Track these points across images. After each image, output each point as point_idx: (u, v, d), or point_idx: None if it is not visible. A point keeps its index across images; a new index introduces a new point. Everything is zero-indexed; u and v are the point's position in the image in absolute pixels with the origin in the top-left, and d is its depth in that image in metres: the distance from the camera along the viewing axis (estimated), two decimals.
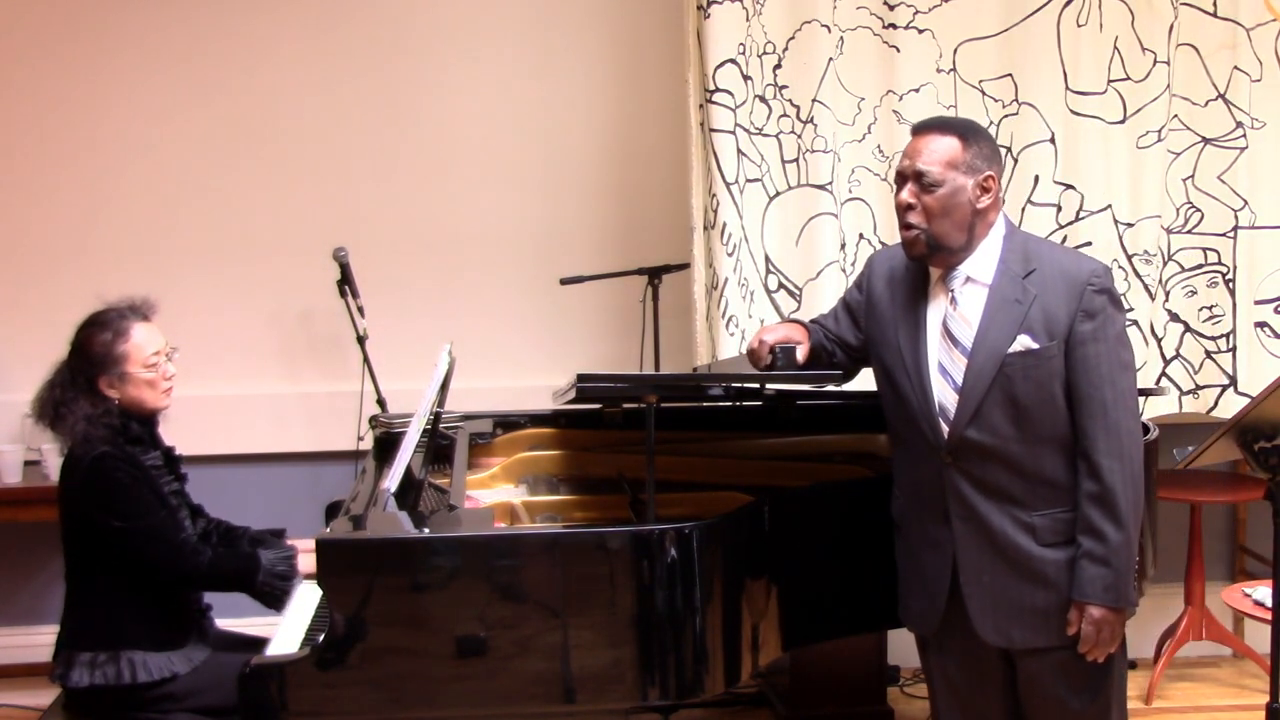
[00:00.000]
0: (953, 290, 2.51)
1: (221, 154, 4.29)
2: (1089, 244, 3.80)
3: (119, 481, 2.75)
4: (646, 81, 4.34)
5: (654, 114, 4.32)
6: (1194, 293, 3.94)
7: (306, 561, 2.92)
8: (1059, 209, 3.84)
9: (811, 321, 2.85)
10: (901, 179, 2.50)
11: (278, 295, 4.33)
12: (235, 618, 3.34)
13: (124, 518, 2.75)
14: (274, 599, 2.84)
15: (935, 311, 2.53)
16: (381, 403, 4.02)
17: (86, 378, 2.81)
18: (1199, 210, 3.90)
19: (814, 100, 3.71)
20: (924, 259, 2.51)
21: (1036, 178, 3.83)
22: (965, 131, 2.49)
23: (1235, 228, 3.90)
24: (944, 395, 2.49)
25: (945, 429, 2.48)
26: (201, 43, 4.26)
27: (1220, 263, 3.92)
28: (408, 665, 2.36)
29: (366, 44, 4.31)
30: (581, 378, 2.52)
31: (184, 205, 4.29)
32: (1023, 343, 2.43)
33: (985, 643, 2.53)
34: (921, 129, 2.52)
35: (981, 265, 2.50)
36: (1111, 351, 2.44)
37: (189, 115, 4.27)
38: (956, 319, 2.50)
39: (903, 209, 2.48)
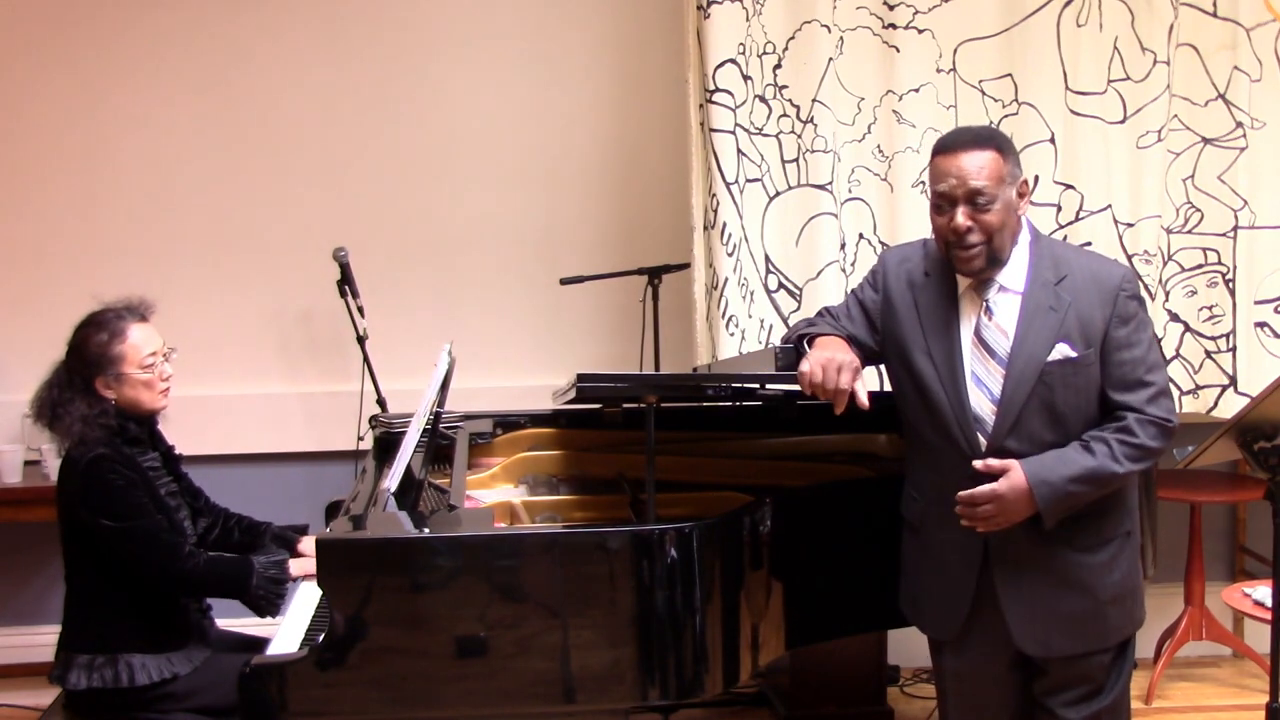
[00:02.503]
0: (987, 299, 2.46)
1: (222, 154, 4.30)
2: (1089, 244, 3.79)
3: (113, 484, 2.75)
4: (646, 81, 4.34)
5: (654, 114, 4.32)
6: (1194, 293, 3.93)
7: (298, 564, 2.93)
8: (1059, 209, 3.83)
9: (823, 309, 2.78)
10: (949, 200, 2.40)
11: (278, 295, 4.34)
12: (236, 618, 3.34)
13: (117, 519, 2.74)
14: (267, 604, 2.83)
15: (967, 321, 2.49)
16: (381, 403, 4.02)
17: (83, 378, 2.81)
18: (1199, 210, 3.90)
19: (814, 100, 3.71)
20: (982, 273, 2.45)
21: (1036, 178, 3.82)
22: (999, 142, 2.44)
23: (1235, 228, 3.89)
24: (980, 406, 2.46)
25: (983, 441, 2.45)
26: (202, 43, 4.26)
27: (1220, 263, 3.91)
28: (408, 665, 2.36)
29: (367, 43, 4.31)
30: (581, 378, 2.51)
31: (184, 205, 4.30)
32: (1061, 351, 2.41)
33: (1002, 647, 2.51)
34: (956, 147, 2.41)
35: (1013, 273, 2.46)
36: (1146, 355, 2.45)
37: (190, 116, 4.28)
38: (991, 329, 2.46)
39: (963, 232, 2.38)
